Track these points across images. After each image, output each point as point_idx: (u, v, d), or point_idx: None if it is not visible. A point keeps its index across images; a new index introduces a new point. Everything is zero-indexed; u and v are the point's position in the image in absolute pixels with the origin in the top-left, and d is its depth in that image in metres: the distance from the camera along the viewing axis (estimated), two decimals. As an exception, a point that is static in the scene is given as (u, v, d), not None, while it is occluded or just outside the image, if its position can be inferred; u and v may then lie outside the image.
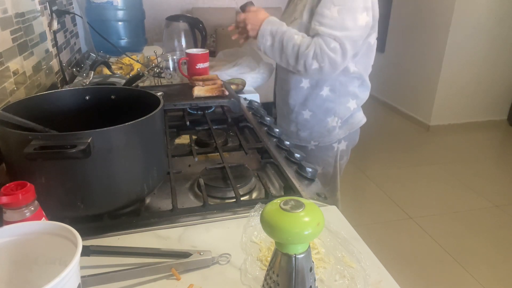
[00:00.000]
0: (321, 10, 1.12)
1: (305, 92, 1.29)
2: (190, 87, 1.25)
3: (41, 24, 1.30)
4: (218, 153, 0.94)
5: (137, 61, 1.69)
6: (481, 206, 2.54)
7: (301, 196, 0.78)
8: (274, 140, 1.06)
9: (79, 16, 1.84)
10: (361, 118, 1.37)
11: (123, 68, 1.68)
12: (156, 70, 1.52)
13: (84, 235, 0.49)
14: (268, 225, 0.41)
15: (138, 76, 1.24)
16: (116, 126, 0.61)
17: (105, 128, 0.60)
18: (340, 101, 1.29)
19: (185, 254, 0.59)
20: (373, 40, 1.23)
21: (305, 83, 1.27)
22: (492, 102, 3.82)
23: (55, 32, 1.42)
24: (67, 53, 1.70)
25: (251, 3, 1.34)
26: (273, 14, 1.26)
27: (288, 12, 1.32)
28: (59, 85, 1.44)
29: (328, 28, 1.11)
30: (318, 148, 1.36)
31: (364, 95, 1.33)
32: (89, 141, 0.57)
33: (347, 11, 1.10)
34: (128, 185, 0.68)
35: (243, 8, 1.31)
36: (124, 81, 1.30)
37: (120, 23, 1.97)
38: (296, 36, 1.16)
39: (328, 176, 1.39)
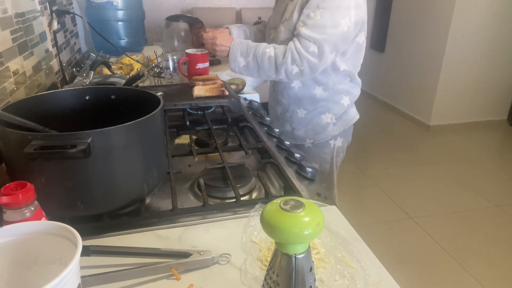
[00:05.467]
0: (307, 12, 1.15)
1: (297, 92, 1.32)
2: (190, 87, 1.25)
3: (41, 24, 1.30)
4: (218, 153, 0.94)
5: (137, 61, 1.69)
6: (481, 206, 2.54)
7: (301, 196, 0.78)
8: (274, 140, 1.06)
9: (79, 16, 1.84)
10: (354, 115, 1.40)
11: (123, 68, 1.68)
12: (156, 70, 1.52)
13: (84, 235, 0.49)
14: (268, 225, 0.41)
15: (138, 76, 1.24)
16: (116, 126, 0.61)
17: (105, 128, 0.60)
18: (334, 99, 1.32)
19: (185, 254, 0.59)
20: (361, 39, 1.24)
21: (295, 84, 1.30)
22: (492, 102, 3.82)
23: (55, 32, 1.42)
24: (67, 53, 1.70)
25: (201, 23, 1.40)
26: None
27: (278, 11, 1.33)
28: (59, 85, 1.44)
29: (310, 30, 1.13)
30: (314, 145, 1.39)
31: (356, 91, 1.36)
32: (89, 141, 0.57)
33: (330, 15, 1.11)
34: (128, 185, 0.68)
35: (197, 27, 1.37)
36: (124, 81, 1.30)
37: (120, 23, 1.97)
38: (268, 50, 1.19)
39: (325, 173, 1.41)
